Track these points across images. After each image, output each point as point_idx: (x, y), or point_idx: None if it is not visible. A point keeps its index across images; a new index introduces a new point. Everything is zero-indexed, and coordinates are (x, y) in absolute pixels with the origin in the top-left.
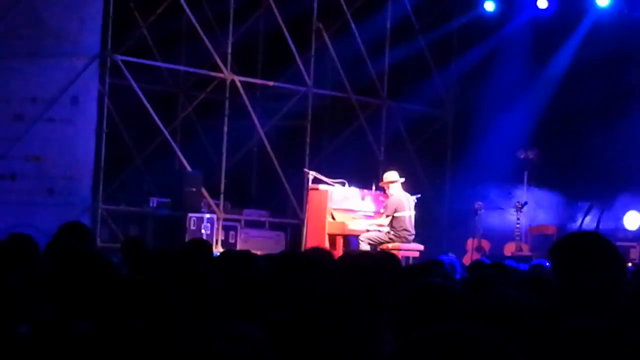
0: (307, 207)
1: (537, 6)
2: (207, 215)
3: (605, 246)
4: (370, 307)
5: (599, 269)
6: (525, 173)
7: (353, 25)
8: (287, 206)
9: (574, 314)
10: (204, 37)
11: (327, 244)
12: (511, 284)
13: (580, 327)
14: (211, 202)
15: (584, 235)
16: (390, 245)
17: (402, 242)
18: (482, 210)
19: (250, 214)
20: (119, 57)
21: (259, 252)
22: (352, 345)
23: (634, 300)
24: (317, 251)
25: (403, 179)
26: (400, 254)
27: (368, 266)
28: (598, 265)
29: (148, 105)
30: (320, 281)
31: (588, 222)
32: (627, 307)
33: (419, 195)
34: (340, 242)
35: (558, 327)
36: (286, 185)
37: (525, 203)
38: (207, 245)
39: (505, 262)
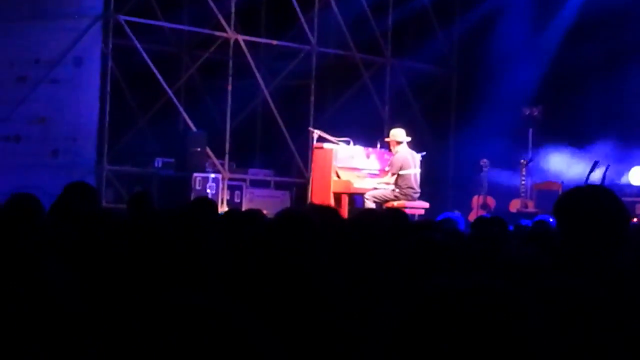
0: (312, 166)
1: None
2: (212, 175)
3: (610, 200)
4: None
5: (604, 223)
6: (530, 130)
7: None
8: (292, 165)
9: (575, 269)
10: None
11: (332, 202)
12: (515, 240)
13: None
14: (216, 161)
15: (588, 188)
16: (395, 203)
17: (408, 199)
18: (488, 168)
19: (255, 173)
20: (122, 17)
21: (265, 212)
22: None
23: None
24: (320, 210)
25: (409, 138)
26: (405, 212)
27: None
28: (603, 219)
29: (152, 66)
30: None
31: (594, 177)
32: (629, 265)
33: (424, 153)
34: (345, 200)
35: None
36: (291, 145)
37: (531, 159)
38: (212, 204)
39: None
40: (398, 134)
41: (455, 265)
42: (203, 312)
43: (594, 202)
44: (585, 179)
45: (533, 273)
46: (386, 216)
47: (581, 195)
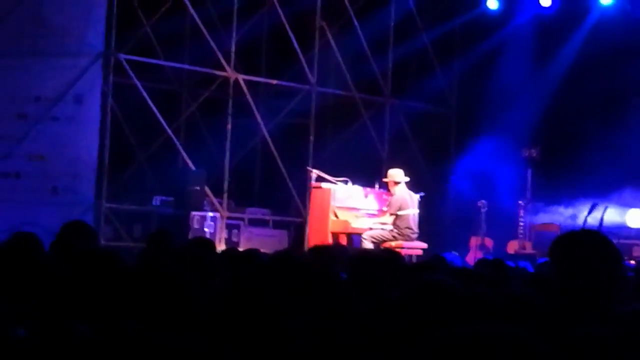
0: (310, 205)
1: (539, 4)
2: (211, 214)
3: (604, 244)
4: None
5: (598, 268)
6: (529, 171)
7: (356, 23)
8: (291, 204)
9: (572, 313)
10: (208, 36)
11: (330, 242)
12: (516, 283)
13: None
14: (214, 200)
15: (582, 233)
16: (393, 244)
17: (406, 240)
18: (486, 208)
19: (253, 212)
20: (123, 56)
21: (262, 251)
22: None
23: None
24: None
25: (408, 179)
26: (403, 252)
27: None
28: (596, 264)
29: (152, 104)
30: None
31: (591, 220)
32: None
33: (422, 194)
34: (343, 240)
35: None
36: (289, 184)
37: (529, 201)
38: (210, 244)
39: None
40: (396, 175)
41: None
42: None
43: (586, 246)
44: (583, 221)
45: (536, 318)
46: (382, 258)
47: (574, 240)
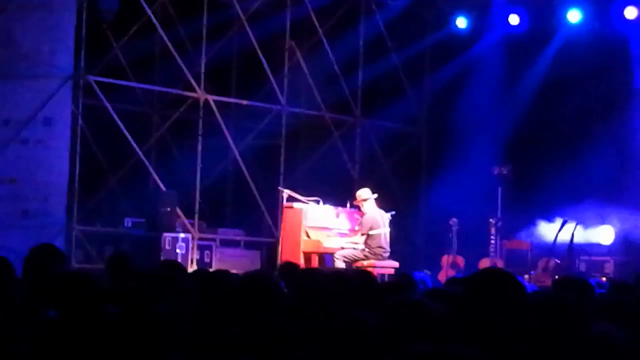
0: (282, 225)
1: (509, 23)
2: (182, 235)
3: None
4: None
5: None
6: (500, 189)
7: (326, 44)
8: (262, 225)
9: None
10: (177, 57)
11: (302, 262)
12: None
13: None
14: (186, 221)
15: (489, 272)
16: (365, 263)
17: (378, 259)
18: (457, 227)
19: (225, 233)
20: (92, 78)
21: (234, 271)
22: None
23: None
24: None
25: (376, 195)
26: (375, 272)
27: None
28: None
29: (122, 126)
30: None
31: (562, 237)
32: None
33: (393, 213)
34: (315, 260)
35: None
36: (261, 204)
37: (500, 219)
38: (180, 268)
39: None
40: (363, 193)
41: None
42: None
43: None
44: (554, 238)
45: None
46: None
47: (481, 279)
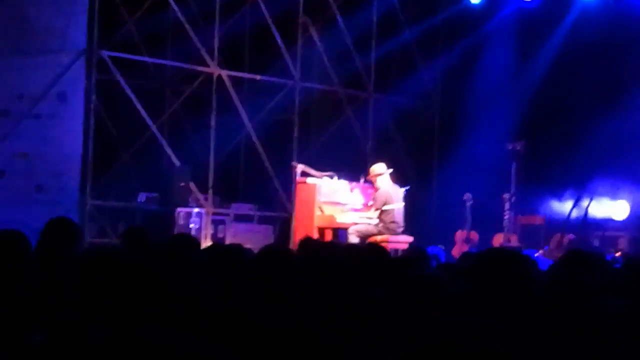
0: (296, 200)
1: None
2: (196, 210)
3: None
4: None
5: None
6: (514, 164)
7: (339, 19)
8: (276, 200)
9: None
10: (191, 32)
11: (316, 237)
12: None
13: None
14: (199, 196)
15: (500, 252)
16: (379, 238)
17: (391, 234)
18: (471, 202)
19: (238, 207)
20: (106, 53)
21: (248, 246)
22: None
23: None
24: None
25: (391, 170)
26: (389, 247)
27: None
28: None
29: (135, 101)
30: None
31: (577, 212)
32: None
33: (407, 187)
34: (329, 235)
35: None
36: (274, 179)
37: (514, 194)
38: (194, 242)
39: None
40: (377, 168)
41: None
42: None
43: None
44: (568, 213)
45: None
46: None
47: (491, 258)
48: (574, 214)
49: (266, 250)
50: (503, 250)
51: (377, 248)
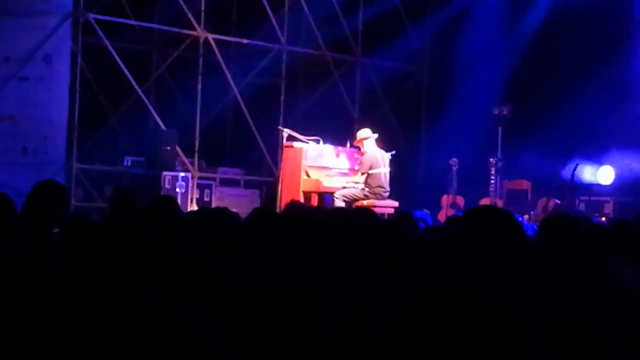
0: (282, 164)
1: None
2: (182, 174)
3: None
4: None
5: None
6: (500, 128)
7: None
8: (262, 164)
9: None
10: None
11: (302, 201)
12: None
13: None
14: (186, 160)
15: (483, 209)
16: (365, 202)
17: (377, 198)
18: (457, 167)
19: (225, 172)
20: (92, 16)
21: (234, 210)
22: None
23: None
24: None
25: (376, 135)
26: (375, 211)
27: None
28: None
29: (121, 64)
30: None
31: (563, 176)
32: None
33: (394, 152)
34: (315, 199)
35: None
36: (261, 143)
37: (500, 159)
38: (174, 202)
39: None
40: (363, 132)
41: (436, 261)
42: (152, 310)
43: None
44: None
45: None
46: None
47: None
48: (561, 178)
49: (255, 211)
50: (494, 208)
51: (365, 211)
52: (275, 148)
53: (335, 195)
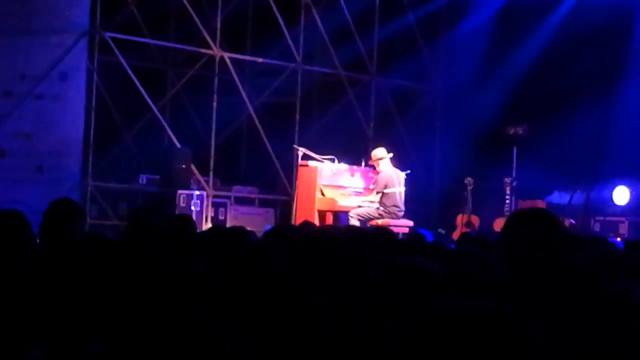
0: (297, 183)
1: None
2: (197, 192)
3: (549, 221)
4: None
5: (541, 244)
6: (515, 148)
7: (342, 1)
8: (277, 183)
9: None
10: (193, 14)
11: (316, 221)
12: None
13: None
14: (200, 178)
15: (529, 211)
16: (380, 222)
17: (392, 218)
18: (472, 186)
19: (239, 190)
20: (108, 34)
21: (249, 229)
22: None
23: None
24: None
25: (391, 154)
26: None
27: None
28: (540, 241)
29: (137, 82)
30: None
31: (578, 197)
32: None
33: (408, 171)
34: (330, 218)
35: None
36: (276, 162)
37: (515, 178)
38: (191, 222)
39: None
40: (379, 152)
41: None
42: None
43: (530, 224)
44: (569, 198)
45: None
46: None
47: (520, 218)
48: (576, 199)
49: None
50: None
51: (383, 230)
52: (289, 166)
53: (350, 214)
